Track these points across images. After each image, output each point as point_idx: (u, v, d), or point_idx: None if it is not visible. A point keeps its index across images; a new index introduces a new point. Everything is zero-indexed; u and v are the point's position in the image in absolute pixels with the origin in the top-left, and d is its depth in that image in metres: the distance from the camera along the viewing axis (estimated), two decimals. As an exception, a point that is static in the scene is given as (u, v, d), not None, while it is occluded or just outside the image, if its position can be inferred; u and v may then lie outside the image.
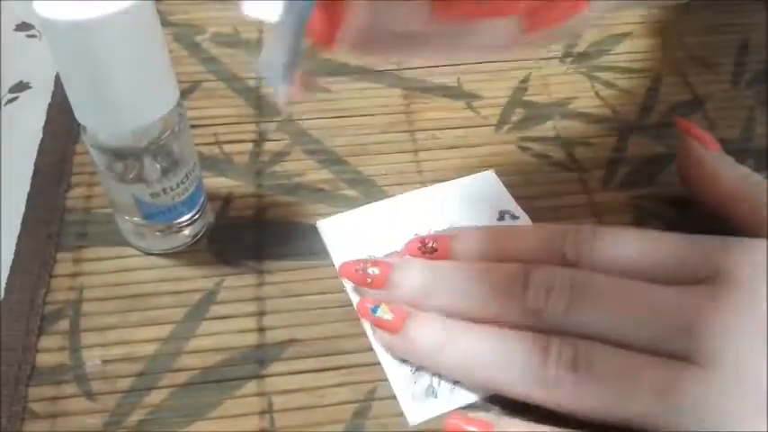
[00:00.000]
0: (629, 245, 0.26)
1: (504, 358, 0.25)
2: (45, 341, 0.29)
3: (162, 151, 0.28)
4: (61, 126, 0.36)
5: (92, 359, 0.28)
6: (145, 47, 0.25)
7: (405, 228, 0.31)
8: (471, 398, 0.27)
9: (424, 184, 0.34)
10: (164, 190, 0.29)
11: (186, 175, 0.29)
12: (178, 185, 0.29)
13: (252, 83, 0.39)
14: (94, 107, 0.26)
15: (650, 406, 0.23)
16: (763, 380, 0.22)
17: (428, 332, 0.26)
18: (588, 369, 0.24)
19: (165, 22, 0.40)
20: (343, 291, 0.30)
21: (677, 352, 0.24)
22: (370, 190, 0.34)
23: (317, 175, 0.35)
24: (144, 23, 0.25)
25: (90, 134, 0.28)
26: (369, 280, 0.28)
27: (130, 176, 0.28)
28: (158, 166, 0.28)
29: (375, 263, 0.28)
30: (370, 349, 0.29)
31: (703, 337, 0.23)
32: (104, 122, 0.26)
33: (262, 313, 0.30)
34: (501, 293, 0.25)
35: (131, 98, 0.26)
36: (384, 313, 0.26)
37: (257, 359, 0.29)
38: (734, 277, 0.24)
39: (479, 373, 0.26)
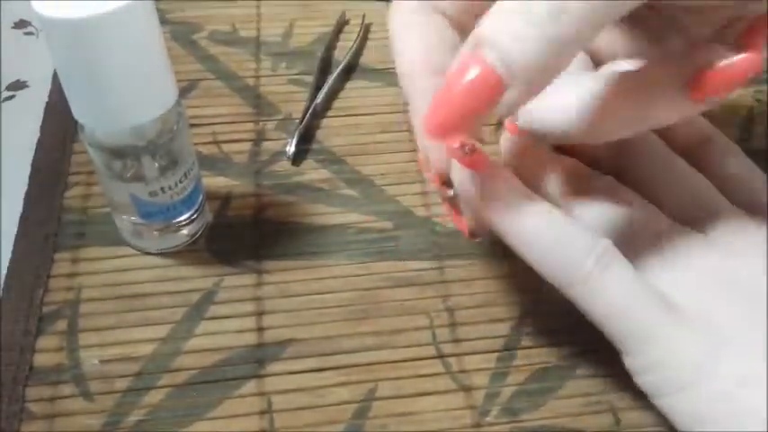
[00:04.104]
0: None
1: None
2: (43, 341, 0.29)
3: (160, 150, 0.28)
4: (59, 125, 0.36)
5: (90, 359, 0.28)
6: (143, 45, 0.25)
7: None
8: None
9: (423, 184, 0.34)
10: (162, 189, 0.29)
11: (185, 174, 0.29)
12: (176, 184, 0.29)
13: (250, 81, 0.38)
14: (92, 105, 0.26)
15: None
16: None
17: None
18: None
19: (162, 20, 0.40)
20: (342, 291, 0.30)
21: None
22: (369, 190, 0.34)
23: (316, 174, 0.35)
24: (142, 21, 0.25)
25: (88, 133, 0.27)
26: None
27: (128, 175, 0.28)
28: (157, 164, 0.28)
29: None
30: (370, 349, 0.29)
31: None
32: (102, 121, 0.26)
33: (261, 313, 0.30)
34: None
35: (129, 96, 0.26)
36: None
37: (256, 359, 0.28)
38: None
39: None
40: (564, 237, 0.24)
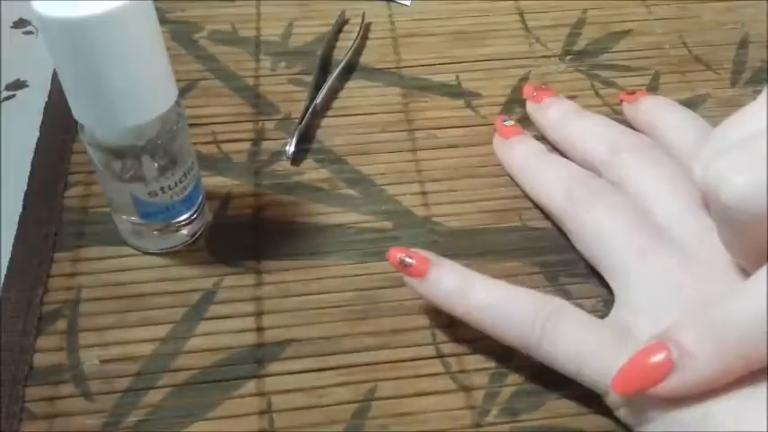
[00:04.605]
0: None
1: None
2: (43, 341, 0.29)
3: (160, 150, 0.28)
4: (59, 124, 0.36)
5: (90, 359, 0.28)
6: (143, 45, 0.25)
7: None
8: None
9: (422, 183, 0.34)
10: (161, 189, 0.29)
11: (184, 174, 0.29)
12: (176, 184, 0.29)
13: (250, 81, 0.38)
14: (92, 105, 0.26)
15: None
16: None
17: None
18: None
19: (162, 20, 0.40)
20: (341, 290, 0.30)
21: None
22: (368, 189, 0.34)
23: (316, 174, 0.35)
24: (142, 21, 0.25)
25: (88, 132, 0.27)
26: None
27: (128, 175, 0.28)
28: (156, 165, 0.28)
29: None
30: (370, 349, 0.29)
31: None
32: (102, 120, 0.26)
33: (260, 313, 0.30)
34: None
35: (129, 96, 0.25)
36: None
37: (256, 359, 0.28)
38: None
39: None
40: (510, 310, 0.27)
